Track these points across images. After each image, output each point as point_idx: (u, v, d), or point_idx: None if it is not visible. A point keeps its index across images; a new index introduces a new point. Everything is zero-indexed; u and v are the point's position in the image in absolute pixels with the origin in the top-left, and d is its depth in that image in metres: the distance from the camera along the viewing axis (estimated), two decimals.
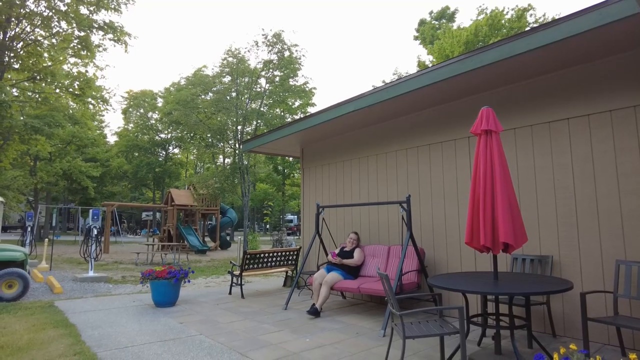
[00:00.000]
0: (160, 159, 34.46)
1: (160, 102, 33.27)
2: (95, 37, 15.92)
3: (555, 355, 2.04)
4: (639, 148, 4.09)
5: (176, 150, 36.67)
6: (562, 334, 4.47)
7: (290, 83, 21.23)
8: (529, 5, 23.25)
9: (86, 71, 16.83)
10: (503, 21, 22.80)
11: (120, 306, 6.42)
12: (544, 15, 23.23)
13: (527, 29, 21.65)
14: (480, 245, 3.48)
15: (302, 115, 22.72)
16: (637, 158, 4.09)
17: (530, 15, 23.29)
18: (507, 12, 23.28)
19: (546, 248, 4.68)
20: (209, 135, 20.75)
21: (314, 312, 5.51)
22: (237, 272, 7.27)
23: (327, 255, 6.63)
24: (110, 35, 15.77)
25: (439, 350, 3.63)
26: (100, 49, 16.09)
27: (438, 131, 5.97)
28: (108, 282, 9.26)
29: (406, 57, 63.74)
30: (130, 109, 33.57)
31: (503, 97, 5.19)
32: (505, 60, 4.31)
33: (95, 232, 9.40)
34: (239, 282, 7.24)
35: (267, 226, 43.02)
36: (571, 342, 4.21)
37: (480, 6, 25.90)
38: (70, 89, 16.35)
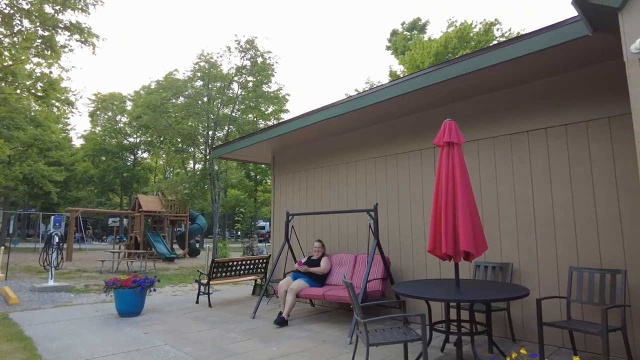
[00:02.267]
0: (129, 164, 33.56)
1: (129, 105, 32.44)
2: (61, 38, 15.40)
3: None
4: (590, 160, 4.32)
5: (145, 155, 35.82)
6: (522, 338, 4.63)
7: (264, 89, 21.20)
8: (496, 20, 24.28)
9: (50, 72, 16.20)
10: (472, 34, 23.59)
11: (81, 316, 6.20)
12: (509, 29, 24.20)
13: (494, 42, 22.53)
14: (442, 254, 3.59)
15: (275, 122, 22.70)
16: (589, 170, 4.33)
17: (497, 29, 24.22)
18: (476, 25, 24.12)
19: (507, 256, 4.86)
20: (179, 140, 20.42)
21: (281, 322, 5.49)
22: (204, 281, 7.16)
23: (295, 263, 6.63)
24: (77, 36, 15.27)
25: (403, 357, 3.69)
26: (66, 49, 15.54)
27: (405, 141, 6.12)
28: (69, 291, 8.90)
29: (378, 67, 64.83)
30: (97, 112, 32.54)
31: (468, 110, 5.38)
32: (470, 74, 4.47)
33: (56, 239, 9.04)
34: (207, 291, 7.13)
35: (239, 233, 42.50)
36: (529, 346, 4.38)
37: (450, 19, 26.77)
38: (33, 90, 15.71)
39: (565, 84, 4.57)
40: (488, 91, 5.14)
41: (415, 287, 3.83)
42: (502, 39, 23.00)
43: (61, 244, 9.29)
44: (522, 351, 2.17)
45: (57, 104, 17.60)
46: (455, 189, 3.59)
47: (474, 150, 5.25)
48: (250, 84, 19.99)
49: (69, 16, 14.89)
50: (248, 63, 18.75)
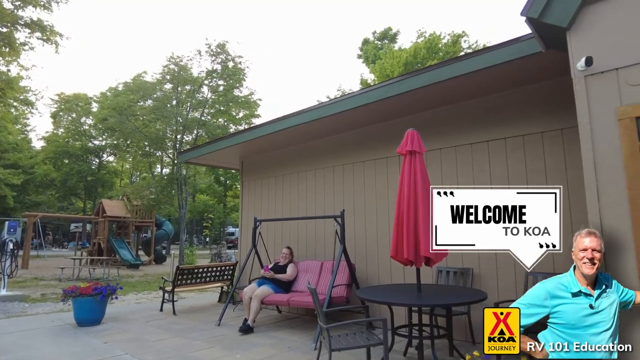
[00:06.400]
0: (93, 167, 32.38)
1: (95, 107, 31.35)
2: (21, 35, 14.72)
3: None
4: (545, 170, 4.54)
5: (111, 159, 34.67)
6: (480, 340, 4.75)
7: (235, 93, 21.03)
8: (463, 32, 25.02)
9: (8, 70, 15.55)
10: (440, 45, 24.26)
11: (36, 327, 5.93)
12: (476, 41, 25.06)
13: (461, 53, 23.26)
14: (404, 259, 3.67)
15: (246, 127, 22.54)
16: (544, 179, 4.54)
17: (465, 41, 25.04)
18: (444, 37, 24.83)
19: (468, 261, 5.01)
20: (146, 143, 19.92)
21: (246, 329, 5.44)
22: (169, 288, 7.01)
23: (262, 269, 6.59)
24: (38, 34, 14.73)
25: None
26: (27, 47, 14.96)
27: (372, 149, 6.23)
28: (24, 300, 8.49)
29: (350, 74, 65.64)
30: (60, 113, 31.23)
31: (431, 119, 5.54)
32: (432, 85, 4.62)
33: (10, 245, 8.62)
34: (171, 298, 6.97)
35: (207, 239, 41.67)
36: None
37: (419, 29, 27.45)
38: None
39: (524, 97, 4.78)
40: (451, 102, 5.31)
41: (378, 292, 3.90)
42: (469, 51, 23.79)
43: (16, 251, 8.87)
44: (475, 353, 2.26)
45: (15, 103, 16.86)
46: (416, 196, 3.70)
47: (436, 159, 5.40)
48: (221, 88, 19.79)
49: (30, 13, 14.26)
50: (219, 67, 18.59)
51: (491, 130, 5.00)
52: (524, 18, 3.11)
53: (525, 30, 3.38)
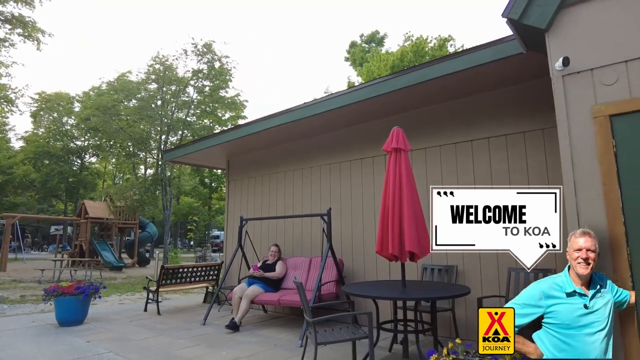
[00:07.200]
0: (75, 168, 31.76)
1: (77, 106, 30.77)
2: (1, 31, 14.40)
3: (445, 350, 2.27)
4: (527, 169, 4.66)
5: (93, 159, 34.07)
6: (465, 337, 4.84)
7: (221, 94, 20.93)
8: (450, 36, 25.39)
9: None
10: (427, 49, 24.56)
11: (16, 327, 5.81)
12: (462, 45, 25.44)
13: None
14: (389, 254, 3.73)
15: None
16: (526, 178, 4.66)
17: (451, 45, 25.38)
18: (431, 40, 25.15)
19: (452, 258, 5.10)
20: (130, 144, 19.68)
21: (233, 327, 5.44)
22: (153, 288, 6.94)
23: (249, 269, 6.59)
24: (19, 30, 14.45)
25: (351, 357, 3.77)
26: (7, 44, 14.66)
27: (358, 148, 6.29)
28: (3, 302, 8.29)
29: (338, 77, 65.85)
30: (41, 112, 30.55)
31: (416, 119, 5.63)
32: (416, 85, 4.71)
33: None
34: (156, 299, 6.91)
35: (192, 242, 41.24)
36: (472, 343, 4.60)
37: (406, 33, 27.69)
38: None
39: (506, 96, 4.90)
40: (435, 102, 5.41)
41: (363, 287, 3.95)
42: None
43: None
44: (457, 341, 2.32)
45: None
46: (401, 193, 3.76)
47: (421, 158, 5.50)
48: (207, 89, 19.68)
49: (11, 8, 13.94)
50: (205, 67, 18.49)
51: (475, 130, 5.11)
52: (505, 19, 3.22)
53: (508, 32, 3.48)
